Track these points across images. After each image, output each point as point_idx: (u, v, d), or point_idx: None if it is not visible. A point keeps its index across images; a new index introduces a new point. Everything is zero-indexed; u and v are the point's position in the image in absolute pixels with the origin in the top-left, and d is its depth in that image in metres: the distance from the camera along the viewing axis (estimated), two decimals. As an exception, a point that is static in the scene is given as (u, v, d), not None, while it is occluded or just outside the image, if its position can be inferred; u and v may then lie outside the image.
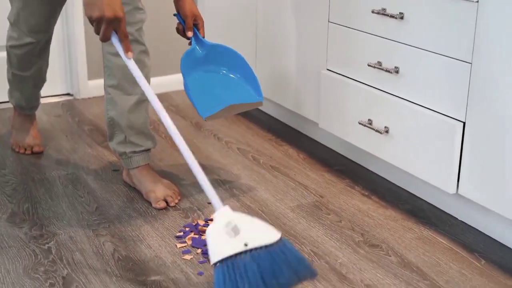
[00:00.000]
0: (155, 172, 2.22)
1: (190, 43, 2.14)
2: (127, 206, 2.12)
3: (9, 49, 2.33)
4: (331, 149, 2.56)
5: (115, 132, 2.15)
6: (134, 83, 2.03)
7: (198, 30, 2.12)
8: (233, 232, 1.52)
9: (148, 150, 2.18)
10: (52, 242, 1.91)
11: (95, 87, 3.07)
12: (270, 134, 2.71)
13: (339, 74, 2.33)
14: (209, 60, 2.13)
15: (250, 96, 2.13)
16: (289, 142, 2.62)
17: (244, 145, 2.60)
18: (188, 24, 2.11)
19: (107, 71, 2.12)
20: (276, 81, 2.70)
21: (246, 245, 1.51)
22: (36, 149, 2.50)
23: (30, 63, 2.36)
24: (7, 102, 2.93)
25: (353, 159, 2.46)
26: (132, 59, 1.74)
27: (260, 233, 1.53)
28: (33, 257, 1.84)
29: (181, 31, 2.15)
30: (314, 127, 2.62)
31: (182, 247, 1.89)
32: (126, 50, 1.74)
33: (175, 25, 2.15)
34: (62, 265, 1.80)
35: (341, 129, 2.35)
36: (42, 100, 3.02)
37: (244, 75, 2.16)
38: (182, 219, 2.03)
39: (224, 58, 2.14)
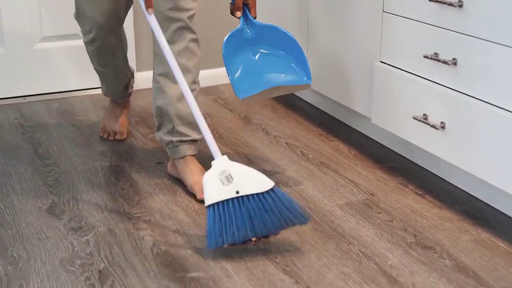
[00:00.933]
0: (201, 165, 2.15)
1: None
2: (169, 200, 2.05)
3: (84, 44, 2.33)
4: (383, 145, 2.45)
5: (163, 121, 2.11)
6: (184, 71, 2.00)
7: (249, 10, 2.02)
8: (226, 180, 1.70)
9: (195, 140, 2.13)
10: (90, 234, 1.86)
11: (143, 79, 3.02)
12: (320, 128, 2.61)
13: (393, 66, 2.22)
14: (258, 41, 2.02)
15: (297, 79, 2.03)
16: (339, 137, 2.52)
17: (293, 139, 2.51)
18: (237, 3, 2.01)
19: (156, 59, 2.09)
20: (328, 73, 2.60)
21: (237, 192, 1.69)
22: (118, 136, 2.48)
23: (105, 60, 2.35)
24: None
25: (406, 156, 2.34)
26: (153, 15, 1.86)
27: (252, 182, 1.71)
28: (70, 249, 1.79)
29: (233, 11, 2.05)
30: (366, 122, 2.51)
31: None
32: (147, 5, 1.84)
33: (225, 19, 2.08)
34: (99, 259, 1.74)
35: (395, 124, 2.24)
36: (89, 92, 3.00)
37: (294, 57, 2.05)
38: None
39: (274, 39, 2.03)
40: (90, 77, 2.96)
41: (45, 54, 2.92)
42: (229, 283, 1.65)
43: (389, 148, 2.42)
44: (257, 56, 2.04)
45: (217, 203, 1.70)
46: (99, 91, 2.98)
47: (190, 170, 2.10)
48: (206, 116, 2.67)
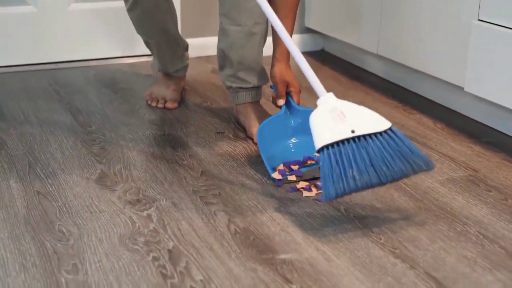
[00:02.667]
0: (265, 110, 1.98)
1: None
2: (238, 172, 1.74)
3: (127, 13, 2.08)
4: (472, 119, 2.14)
5: (225, 64, 1.98)
6: (245, 11, 1.87)
7: (292, 97, 1.82)
8: (339, 117, 1.45)
9: (257, 87, 1.98)
10: (152, 208, 1.55)
11: (190, 47, 2.71)
12: (396, 100, 2.30)
13: (496, 24, 1.91)
14: (305, 128, 1.61)
15: None
16: (420, 110, 2.21)
17: (367, 111, 2.20)
18: (279, 91, 1.81)
19: None
20: (403, 36, 2.29)
21: (353, 131, 1.43)
22: (168, 104, 2.19)
23: (151, 28, 2.10)
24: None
25: (504, 131, 2.03)
26: None
27: (368, 121, 1.46)
28: (130, 225, 1.48)
29: (274, 100, 1.85)
30: (451, 94, 2.20)
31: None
32: None
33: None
34: (166, 236, 1.44)
35: (494, 92, 1.93)
36: (130, 60, 2.70)
37: None
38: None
39: None
40: (131, 43, 2.66)
41: (80, 16, 2.61)
42: (330, 267, 1.34)
43: (480, 123, 2.11)
44: (303, 143, 1.77)
45: (332, 144, 1.44)
46: (142, 59, 2.69)
47: (250, 116, 1.97)
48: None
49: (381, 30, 2.41)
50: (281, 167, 1.71)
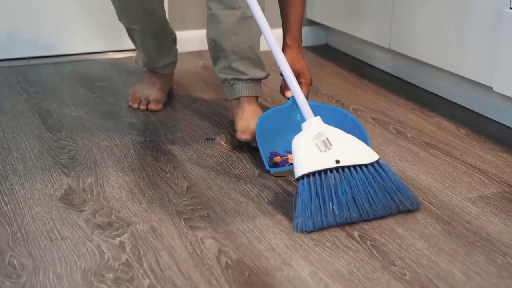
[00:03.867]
0: (261, 111, 1.70)
1: None
2: (231, 188, 1.47)
3: None
4: (501, 123, 1.87)
5: (219, 56, 1.72)
6: None
7: (302, 89, 1.61)
8: (324, 145, 1.35)
9: (255, 80, 1.72)
10: (126, 234, 1.28)
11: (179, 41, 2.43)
12: (411, 101, 2.03)
13: (532, 13, 1.64)
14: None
15: None
16: (440, 113, 1.94)
17: (379, 114, 1.92)
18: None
19: None
20: (419, 28, 2.02)
21: (337, 162, 1.33)
22: (152, 105, 1.92)
23: (133, 11, 1.83)
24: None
25: (538, 137, 1.76)
26: None
27: (355, 151, 1.36)
28: (98, 256, 1.21)
29: (282, 90, 1.70)
30: (476, 93, 1.93)
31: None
32: None
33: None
34: (141, 271, 1.17)
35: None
36: (110, 55, 2.43)
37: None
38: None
39: (331, 120, 1.49)
40: (112, 36, 2.39)
41: (56, 6, 2.34)
42: (345, 314, 1.07)
43: (508, 127, 1.84)
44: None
45: (313, 173, 1.31)
46: (125, 54, 2.42)
47: (241, 112, 1.70)
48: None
49: (393, 21, 2.13)
50: (278, 159, 1.57)
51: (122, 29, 1.94)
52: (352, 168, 1.33)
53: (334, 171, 1.33)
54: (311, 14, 2.59)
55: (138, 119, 1.85)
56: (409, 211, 1.36)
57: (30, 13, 2.31)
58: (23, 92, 2.04)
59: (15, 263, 1.19)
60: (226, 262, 1.20)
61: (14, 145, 1.66)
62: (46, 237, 1.27)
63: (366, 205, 1.32)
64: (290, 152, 1.57)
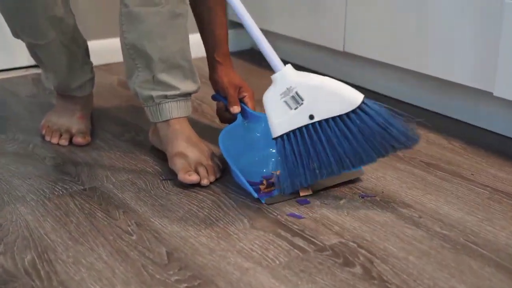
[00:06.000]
0: (194, 132, 1.43)
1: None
2: (224, 248, 1.11)
3: None
4: (492, 132, 1.63)
5: (136, 66, 1.39)
6: None
7: (246, 103, 1.51)
8: (293, 101, 1.23)
9: (187, 95, 1.42)
10: None
11: (95, 51, 2.03)
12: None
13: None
14: (269, 136, 1.31)
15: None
16: (423, 125, 1.67)
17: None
18: (232, 97, 1.49)
19: None
20: (374, 24, 1.75)
21: (311, 117, 1.23)
22: (79, 139, 1.53)
23: (33, 19, 1.41)
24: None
25: (542, 146, 1.53)
26: None
27: (330, 101, 1.22)
28: None
29: (224, 112, 1.54)
30: (468, 100, 1.68)
31: None
32: None
33: None
34: None
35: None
36: (2, 75, 1.99)
37: None
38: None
39: None
40: (3, 51, 1.95)
41: None
42: None
43: (506, 136, 1.61)
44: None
45: (287, 134, 1.23)
46: (20, 73, 1.98)
47: (174, 137, 1.40)
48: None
49: (348, 13, 1.85)
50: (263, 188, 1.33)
51: (11, 42, 1.52)
52: (330, 120, 1.21)
53: (310, 127, 1.22)
54: (233, 15, 2.25)
55: (63, 159, 1.45)
56: (407, 148, 1.24)
57: None
58: None
59: None
60: None
61: None
62: None
63: (350, 157, 1.23)
64: (267, 177, 1.36)
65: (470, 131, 1.65)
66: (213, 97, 1.56)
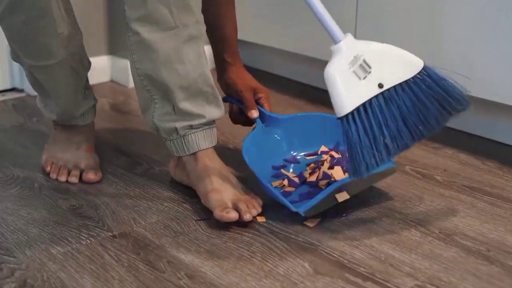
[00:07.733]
0: (222, 163, 1.31)
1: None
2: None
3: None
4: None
5: (152, 97, 1.27)
6: (183, 4, 1.21)
7: (262, 105, 1.42)
8: (362, 69, 1.13)
9: (212, 123, 1.31)
10: None
11: (95, 69, 1.86)
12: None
13: None
14: (290, 138, 1.39)
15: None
16: (446, 142, 1.58)
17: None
18: (249, 100, 1.40)
19: None
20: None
21: (381, 86, 1.13)
22: (90, 176, 1.37)
23: (47, 37, 1.28)
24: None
25: None
26: None
27: (396, 65, 1.15)
28: None
29: (238, 115, 1.45)
30: (482, 116, 1.61)
31: None
32: None
33: None
34: None
35: None
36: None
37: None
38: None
39: (312, 130, 1.40)
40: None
41: None
42: None
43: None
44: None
45: (357, 109, 1.12)
46: (8, 96, 1.82)
47: (206, 173, 1.27)
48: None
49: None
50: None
51: None
52: (398, 87, 1.13)
53: (380, 97, 1.13)
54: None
55: (78, 200, 1.30)
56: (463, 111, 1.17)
57: None
58: None
59: None
60: None
61: None
62: None
63: (420, 126, 1.15)
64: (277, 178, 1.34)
65: (495, 148, 1.58)
66: (224, 99, 1.43)
